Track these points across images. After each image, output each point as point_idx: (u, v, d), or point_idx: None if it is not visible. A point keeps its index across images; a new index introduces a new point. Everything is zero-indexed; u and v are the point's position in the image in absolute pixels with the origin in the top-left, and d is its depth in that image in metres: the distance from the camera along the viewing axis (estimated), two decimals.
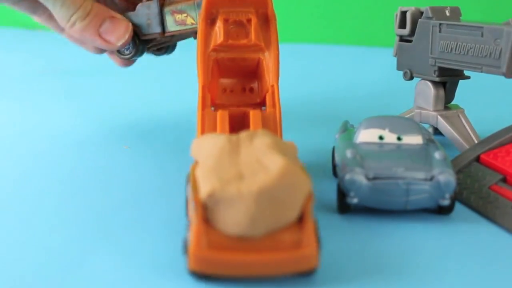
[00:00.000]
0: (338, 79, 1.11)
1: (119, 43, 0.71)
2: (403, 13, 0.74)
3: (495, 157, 0.62)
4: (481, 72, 0.65)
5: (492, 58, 0.63)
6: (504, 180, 0.59)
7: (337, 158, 0.60)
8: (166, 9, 0.70)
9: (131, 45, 0.73)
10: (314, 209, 0.58)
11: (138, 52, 0.73)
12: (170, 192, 0.62)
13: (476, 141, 0.70)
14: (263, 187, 0.44)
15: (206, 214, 0.45)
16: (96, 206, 0.58)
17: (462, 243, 0.52)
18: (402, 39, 0.75)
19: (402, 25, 0.74)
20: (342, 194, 0.55)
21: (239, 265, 0.44)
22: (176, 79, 1.10)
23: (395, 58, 0.77)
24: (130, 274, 0.47)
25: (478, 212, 0.57)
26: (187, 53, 0.98)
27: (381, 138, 0.59)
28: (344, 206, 0.56)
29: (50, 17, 0.74)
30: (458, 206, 0.58)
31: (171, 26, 0.70)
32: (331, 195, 0.60)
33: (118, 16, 0.72)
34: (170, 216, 0.56)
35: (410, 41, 0.74)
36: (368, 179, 0.54)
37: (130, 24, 0.72)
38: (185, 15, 0.69)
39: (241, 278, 0.44)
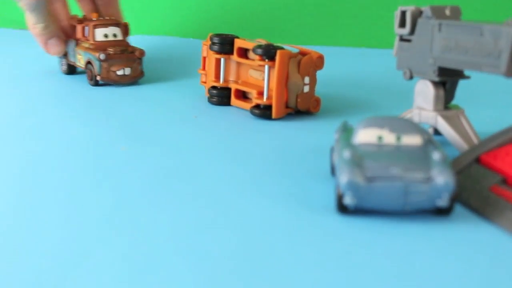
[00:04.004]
0: (337, 79, 1.11)
1: (51, 53, 1.09)
2: (403, 13, 0.74)
3: (495, 158, 0.61)
4: (481, 71, 0.65)
5: (491, 57, 0.63)
6: (504, 181, 0.59)
7: (335, 159, 0.60)
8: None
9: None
10: (312, 209, 0.58)
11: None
12: (168, 192, 0.61)
13: (476, 142, 0.69)
14: None
15: None
16: (94, 207, 0.58)
17: (461, 245, 0.52)
18: (402, 38, 0.75)
19: (402, 24, 0.74)
20: (340, 195, 0.55)
21: None
22: (172, 79, 1.10)
23: (395, 58, 0.76)
24: (128, 275, 0.46)
25: (478, 214, 0.57)
26: (188, 54, 0.98)
27: (380, 138, 0.58)
28: (342, 207, 0.56)
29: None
30: (457, 207, 0.58)
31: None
32: (330, 196, 0.60)
33: (62, 38, 1.08)
34: (168, 217, 0.56)
35: (410, 41, 0.74)
36: (366, 180, 0.53)
37: (64, 48, 1.09)
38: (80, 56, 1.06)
39: None
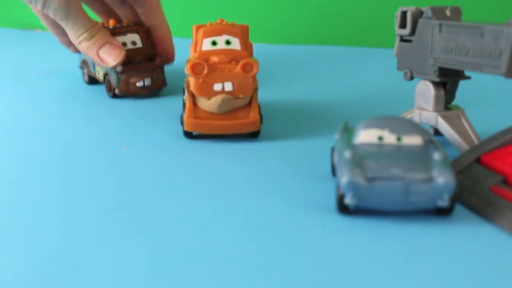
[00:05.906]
0: (338, 79, 1.11)
1: (112, 64, 0.91)
2: (404, 13, 0.74)
3: (495, 158, 0.61)
4: (481, 72, 0.65)
5: (492, 58, 0.63)
6: (505, 181, 0.59)
7: (336, 159, 0.60)
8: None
9: None
10: (313, 209, 0.58)
11: None
12: (169, 192, 0.61)
13: (476, 142, 0.69)
14: (225, 97, 0.73)
15: (195, 100, 0.75)
16: (94, 207, 0.58)
17: (461, 245, 0.52)
18: (402, 39, 0.75)
19: (403, 25, 0.74)
20: (341, 195, 0.55)
21: (213, 127, 0.75)
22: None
23: (396, 59, 0.76)
24: (127, 276, 0.46)
25: (478, 214, 0.57)
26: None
27: (380, 138, 0.58)
28: (343, 207, 0.56)
29: (64, 34, 0.95)
30: (458, 208, 0.58)
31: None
32: (330, 196, 0.60)
33: (116, 42, 0.91)
34: (169, 216, 0.56)
35: (410, 41, 0.74)
36: (367, 180, 0.53)
37: (124, 51, 0.91)
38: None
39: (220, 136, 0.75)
